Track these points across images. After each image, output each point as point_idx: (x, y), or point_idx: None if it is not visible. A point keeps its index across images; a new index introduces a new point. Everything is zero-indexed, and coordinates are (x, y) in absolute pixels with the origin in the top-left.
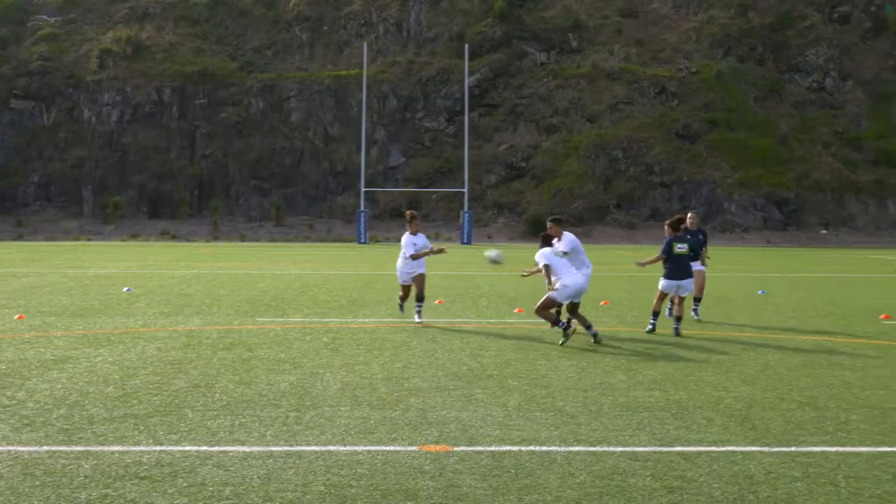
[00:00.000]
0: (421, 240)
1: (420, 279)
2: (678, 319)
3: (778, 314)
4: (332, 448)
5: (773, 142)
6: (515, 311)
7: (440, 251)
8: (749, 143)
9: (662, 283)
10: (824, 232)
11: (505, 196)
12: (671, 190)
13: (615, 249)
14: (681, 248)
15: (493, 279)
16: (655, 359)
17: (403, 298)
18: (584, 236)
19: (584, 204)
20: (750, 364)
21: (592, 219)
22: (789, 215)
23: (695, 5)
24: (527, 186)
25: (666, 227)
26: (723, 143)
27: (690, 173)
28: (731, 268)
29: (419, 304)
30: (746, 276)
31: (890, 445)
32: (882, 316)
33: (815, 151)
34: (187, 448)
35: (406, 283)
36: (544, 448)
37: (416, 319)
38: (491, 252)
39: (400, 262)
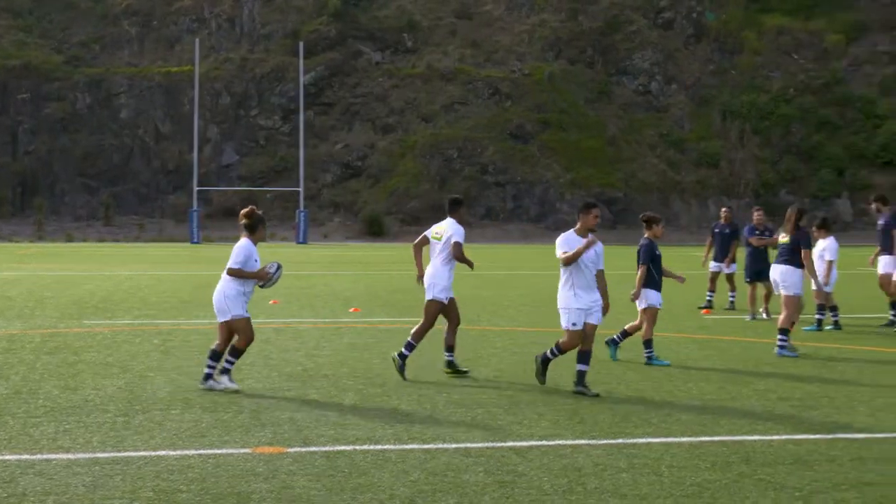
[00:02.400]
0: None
1: None
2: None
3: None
4: (161, 453)
5: (603, 143)
6: (351, 310)
7: None
8: (580, 144)
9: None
10: None
11: (341, 195)
12: (505, 189)
13: None
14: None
15: (329, 279)
16: (489, 357)
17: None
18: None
19: (420, 203)
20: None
21: (429, 218)
22: (618, 214)
23: (527, 8)
24: (363, 186)
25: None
26: (555, 143)
27: (524, 173)
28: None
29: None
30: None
31: (709, 435)
32: (702, 311)
33: (642, 152)
34: (7, 457)
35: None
36: (378, 447)
37: None
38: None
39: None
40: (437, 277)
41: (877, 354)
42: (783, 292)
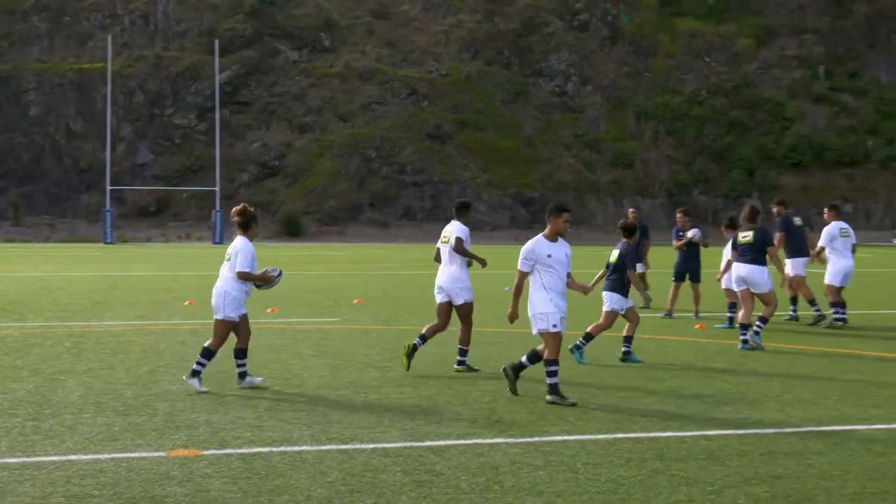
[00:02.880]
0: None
1: None
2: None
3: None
4: (72, 457)
5: (519, 143)
6: (268, 310)
7: None
8: (497, 145)
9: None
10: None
11: (258, 195)
12: (423, 189)
13: (369, 248)
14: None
15: None
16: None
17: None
18: (338, 235)
19: (338, 203)
20: (496, 358)
21: (347, 217)
22: (535, 214)
23: (444, 9)
24: (280, 185)
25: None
26: (472, 143)
27: (442, 173)
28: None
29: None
30: (495, 273)
31: (624, 432)
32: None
33: (558, 153)
34: None
35: None
36: (295, 448)
37: None
38: None
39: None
40: (460, 281)
41: (786, 350)
42: (755, 291)
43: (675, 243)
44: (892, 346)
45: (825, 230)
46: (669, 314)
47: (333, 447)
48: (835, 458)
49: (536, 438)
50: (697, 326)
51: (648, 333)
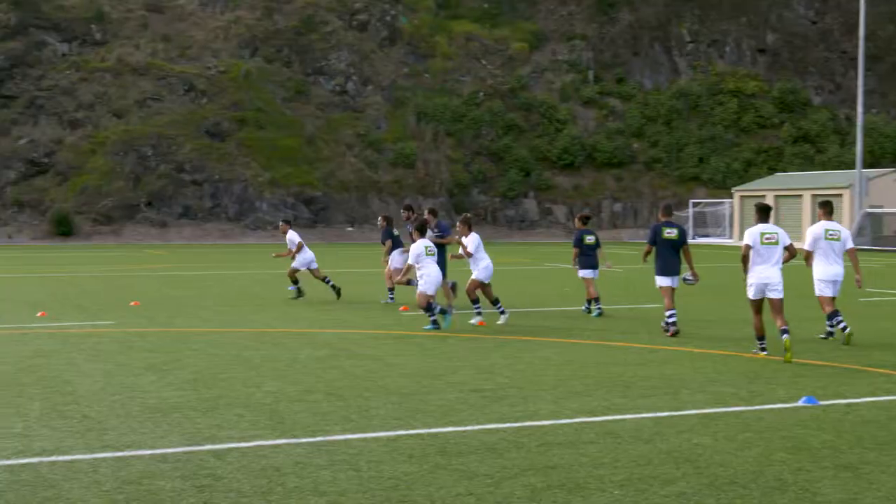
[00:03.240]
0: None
1: None
2: None
3: (307, 309)
4: None
5: (301, 142)
6: (38, 314)
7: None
8: (278, 143)
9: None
10: (350, 229)
11: (26, 193)
12: (203, 188)
13: (147, 248)
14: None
15: (14, 282)
16: (187, 358)
17: None
18: (114, 235)
19: (114, 202)
20: (280, 359)
21: (123, 217)
22: (317, 213)
23: (221, 4)
24: (50, 183)
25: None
26: (252, 142)
27: (222, 171)
28: (262, 265)
29: None
30: (278, 272)
31: (406, 429)
32: (401, 308)
33: (340, 152)
34: None
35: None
36: (67, 457)
37: None
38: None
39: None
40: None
41: (559, 344)
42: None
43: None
44: (656, 338)
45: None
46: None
47: (109, 455)
48: (605, 446)
49: (319, 438)
50: (478, 323)
51: (429, 330)
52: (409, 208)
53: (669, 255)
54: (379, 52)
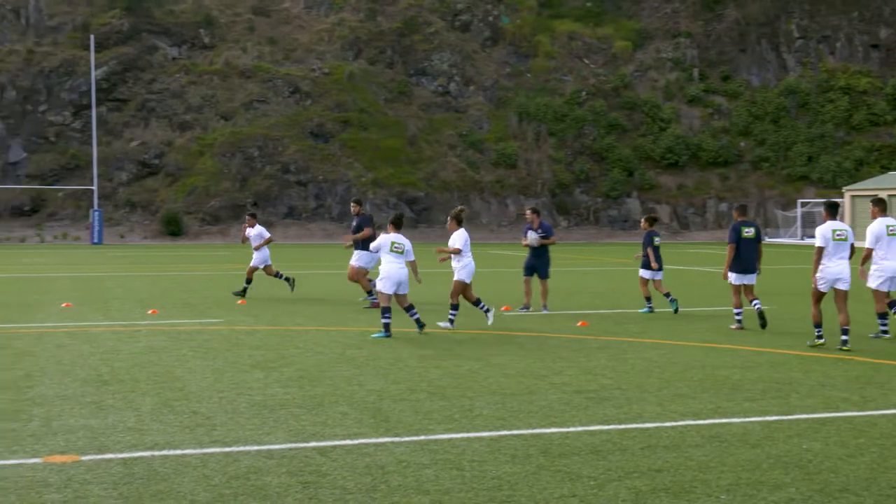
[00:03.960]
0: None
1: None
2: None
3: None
4: None
5: (403, 142)
6: (149, 312)
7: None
8: (381, 144)
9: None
10: None
11: (137, 194)
12: (307, 189)
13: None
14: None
15: (126, 280)
16: (293, 356)
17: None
18: (221, 235)
19: (221, 202)
20: (383, 358)
21: (229, 217)
22: (419, 213)
23: (325, 7)
24: (160, 184)
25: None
26: (356, 142)
27: (325, 172)
28: None
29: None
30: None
31: (509, 429)
32: (503, 307)
33: (442, 152)
34: None
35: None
36: (178, 452)
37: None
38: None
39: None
40: None
41: (663, 346)
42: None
43: (523, 241)
44: (764, 340)
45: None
46: (526, 307)
47: (217, 450)
48: (711, 450)
49: (422, 437)
50: (580, 324)
51: (529, 330)
52: (359, 202)
53: (748, 254)
54: (481, 52)
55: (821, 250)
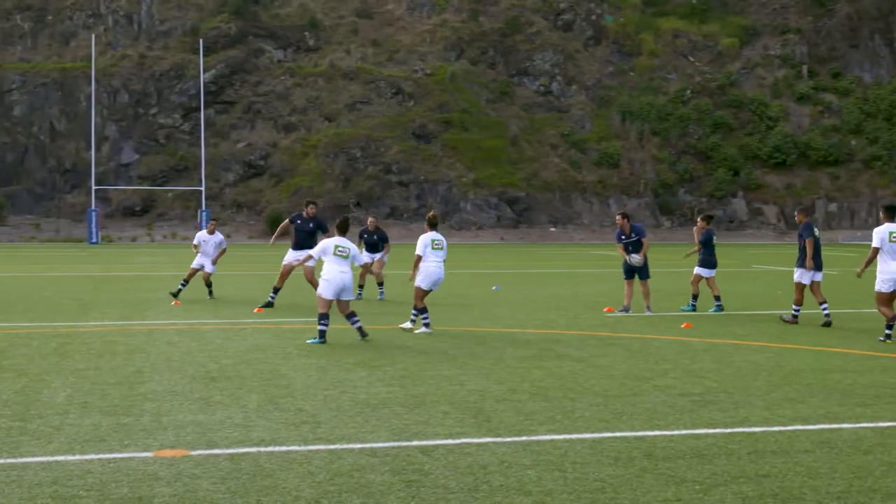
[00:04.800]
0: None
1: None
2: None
3: (510, 308)
4: (59, 458)
5: (505, 142)
6: (254, 310)
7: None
8: (482, 144)
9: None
10: (553, 229)
11: (244, 194)
12: (409, 189)
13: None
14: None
15: (232, 279)
16: (395, 355)
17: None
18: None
19: (324, 202)
20: (484, 357)
21: (333, 217)
22: (521, 213)
23: (428, 8)
24: (266, 185)
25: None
26: (457, 143)
27: (427, 172)
28: (466, 264)
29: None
30: (481, 272)
31: (612, 431)
32: (605, 309)
33: (544, 152)
34: None
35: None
36: (283, 448)
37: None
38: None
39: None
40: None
41: (771, 349)
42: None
43: (620, 250)
44: (877, 345)
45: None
46: (626, 310)
47: (321, 447)
48: (822, 456)
49: (524, 438)
50: (684, 325)
51: (632, 332)
52: (313, 203)
53: (819, 252)
54: (584, 51)
55: (876, 251)
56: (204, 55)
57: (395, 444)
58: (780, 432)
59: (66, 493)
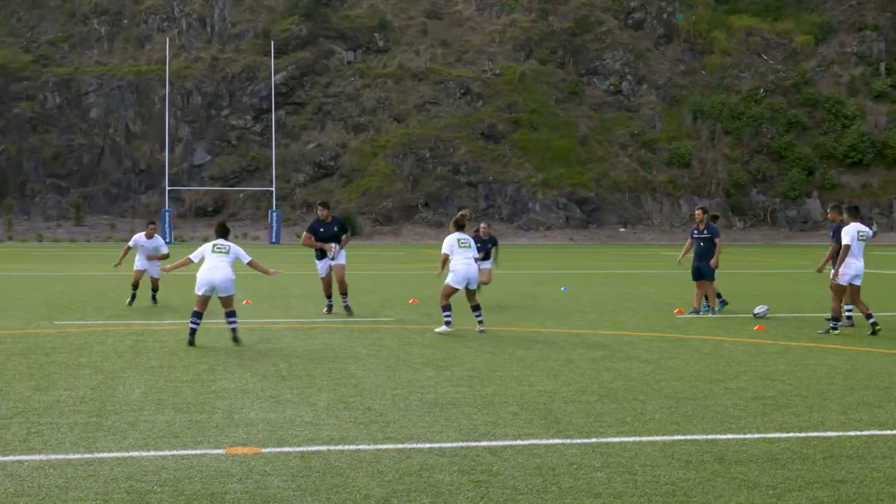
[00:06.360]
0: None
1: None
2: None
3: (579, 310)
4: (134, 454)
5: (574, 142)
6: (324, 311)
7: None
8: (551, 144)
9: None
10: (623, 230)
11: (314, 195)
12: (477, 189)
13: (423, 248)
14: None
15: (302, 279)
16: (464, 355)
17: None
18: (393, 235)
19: (393, 203)
20: (553, 358)
21: (401, 217)
22: (590, 214)
23: (497, 8)
24: (335, 185)
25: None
26: (526, 143)
27: (495, 173)
28: (535, 265)
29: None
30: (550, 273)
31: (682, 434)
32: (675, 311)
33: (613, 152)
34: None
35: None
36: (353, 447)
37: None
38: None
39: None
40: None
41: (846, 352)
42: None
43: (687, 244)
44: None
45: None
46: (696, 311)
47: (390, 446)
48: None
49: (593, 440)
50: (756, 328)
51: (703, 334)
52: (323, 204)
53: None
54: (654, 50)
55: (848, 248)
56: (275, 57)
57: (464, 444)
58: (856, 437)
59: (141, 488)
